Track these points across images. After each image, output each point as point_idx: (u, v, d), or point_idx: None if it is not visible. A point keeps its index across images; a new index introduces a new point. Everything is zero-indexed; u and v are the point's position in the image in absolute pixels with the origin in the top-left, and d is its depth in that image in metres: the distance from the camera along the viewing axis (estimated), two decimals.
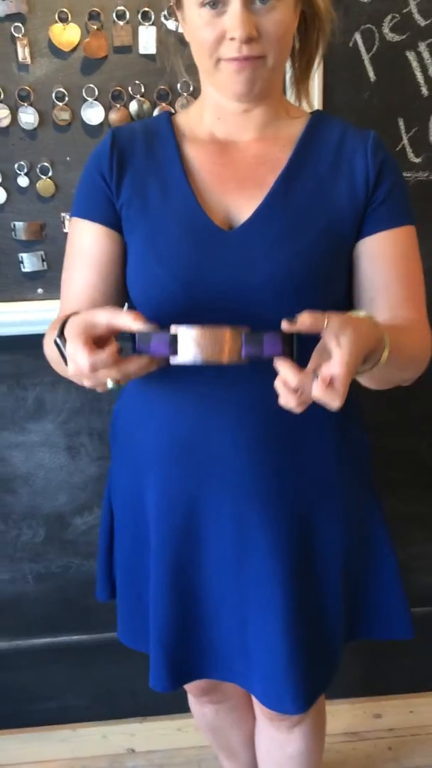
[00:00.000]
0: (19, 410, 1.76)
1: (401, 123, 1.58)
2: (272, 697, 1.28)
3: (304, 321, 0.92)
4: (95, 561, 1.86)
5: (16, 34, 1.46)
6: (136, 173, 1.19)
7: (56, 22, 1.46)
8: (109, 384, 0.99)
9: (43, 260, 1.60)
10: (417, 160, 1.60)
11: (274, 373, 0.95)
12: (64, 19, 1.46)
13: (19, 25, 1.46)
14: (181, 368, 1.01)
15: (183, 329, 0.95)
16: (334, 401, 0.91)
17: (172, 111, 1.32)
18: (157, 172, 1.18)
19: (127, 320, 0.95)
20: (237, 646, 1.29)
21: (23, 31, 1.46)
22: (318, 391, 0.91)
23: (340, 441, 1.24)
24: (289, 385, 0.93)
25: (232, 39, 1.05)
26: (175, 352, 0.96)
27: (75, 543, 1.89)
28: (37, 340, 1.61)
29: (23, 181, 1.55)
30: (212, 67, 1.10)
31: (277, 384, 0.95)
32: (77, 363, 0.97)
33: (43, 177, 1.55)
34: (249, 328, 0.97)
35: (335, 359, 0.91)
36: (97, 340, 0.98)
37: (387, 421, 1.77)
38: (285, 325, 0.93)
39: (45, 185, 1.55)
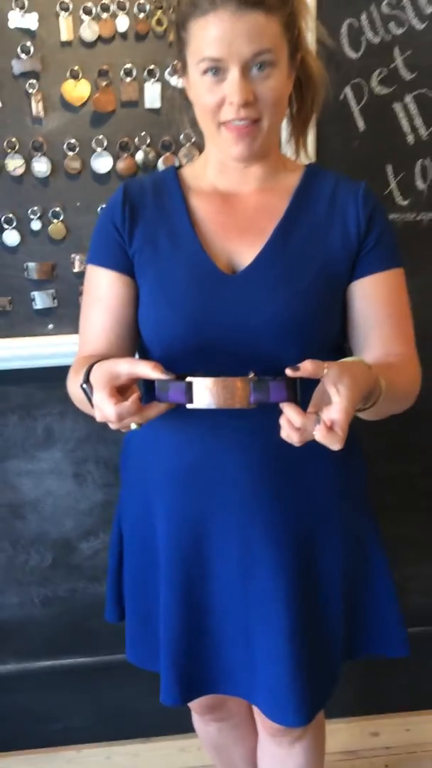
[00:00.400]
0: (29, 439, 1.82)
1: (389, 169, 1.67)
2: (275, 709, 1.33)
3: (306, 368, 1.02)
4: (100, 585, 1.92)
5: (30, 90, 1.55)
6: (147, 223, 1.27)
7: (68, 78, 1.55)
8: (133, 427, 1.09)
9: (54, 298, 1.68)
10: (404, 203, 1.69)
11: (278, 407, 1.05)
12: (75, 76, 1.55)
13: (34, 81, 1.55)
14: None
15: (198, 380, 1.04)
16: (334, 444, 1.01)
17: (177, 161, 1.41)
18: (166, 222, 1.26)
19: (147, 370, 1.05)
20: (242, 661, 1.34)
21: (37, 87, 1.55)
22: (320, 435, 1.01)
23: (339, 467, 1.31)
24: (293, 425, 1.03)
25: (231, 103, 1.14)
26: (191, 399, 1.05)
27: (81, 567, 1.93)
28: (47, 373, 1.70)
29: (36, 224, 1.63)
30: (215, 130, 1.18)
31: (282, 422, 1.05)
32: (104, 413, 1.07)
33: (55, 221, 1.63)
34: (257, 376, 1.06)
35: (335, 406, 1.00)
36: (119, 387, 1.08)
37: (382, 448, 1.83)
38: (289, 372, 1.02)
39: (56, 228, 1.64)
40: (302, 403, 1.05)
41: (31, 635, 1.99)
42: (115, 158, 1.61)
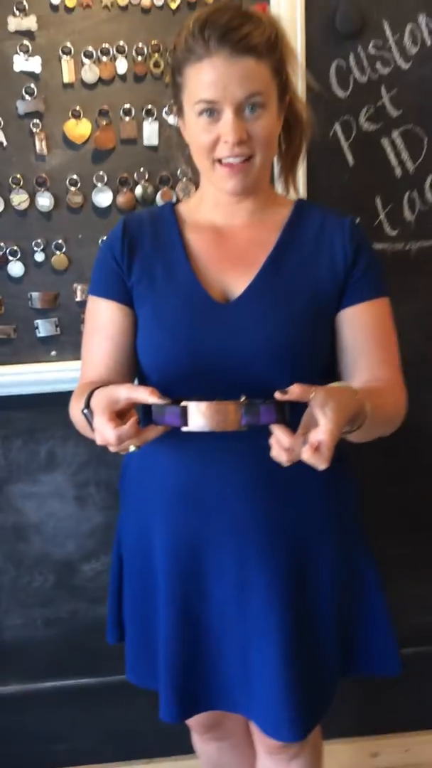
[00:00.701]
0: (32, 463, 1.86)
1: (378, 201, 1.73)
2: (271, 725, 1.35)
3: (294, 392, 1.08)
4: (102, 606, 1.94)
5: (34, 129, 1.62)
6: (145, 256, 1.33)
7: (70, 118, 1.62)
8: (131, 449, 1.15)
9: (56, 326, 1.74)
10: (393, 234, 1.75)
11: (269, 431, 1.11)
12: (77, 116, 1.62)
13: (37, 121, 1.62)
14: None
15: (192, 404, 1.10)
16: (320, 464, 1.06)
17: (174, 196, 1.47)
18: (163, 254, 1.32)
19: (144, 395, 1.12)
20: (240, 677, 1.37)
21: (41, 126, 1.62)
22: (307, 455, 1.06)
23: (330, 489, 1.35)
24: (282, 445, 1.09)
25: (226, 142, 1.20)
26: (185, 422, 1.11)
27: (82, 589, 1.96)
28: (50, 398, 1.75)
29: (40, 256, 1.69)
30: (209, 167, 1.25)
31: (272, 442, 1.10)
32: (105, 436, 1.12)
33: (58, 252, 1.69)
34: (248, 400, 1.11)
35: (321, 428, 1.06)
36: (118, 412, 1.13)
37: (376, 470, 1.87)
38: (278, 395, 1.08)
39: (59, 260, 1.70)
40: (291, 425, 1.10)
41: (33, 656, 2.01)
42: (115, 193, 1.67)
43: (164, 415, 1.12)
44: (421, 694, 2.10)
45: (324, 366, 1.33)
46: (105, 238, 1.38)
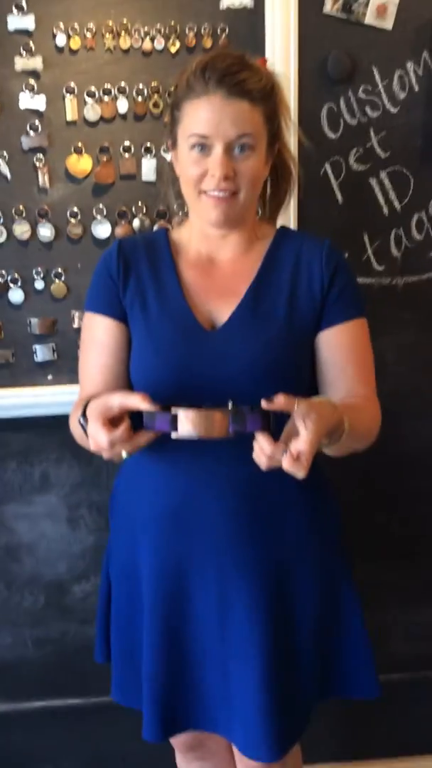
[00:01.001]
0: (26, 484, 1.90)
1: (366, 237, 1.79)
2: (250, 745, 1.38)
3: (279, 402, 1.14)
4: (91, 627, 1.95)
5: (37, 164, 1.68)
6: (138, 277, 1.39)
7: (72, 154, 1.68)
8: (123, 455, 1.20)
9: (53, 351, 1.79)
10: (380, 268, 1.81)
11: (252, 453, 1.17)
12: (78, 152, 1.68)
13: (41, 156, 1.68)
14: (174, 445, 1.20)
15: (181, 411, 1.14)
16: (299, 472, 1.12)
17: (169, 228, 1.53)
18: (156, 279, 1.38)
19: (137, 401, 1.17)
20: (220, 698, 1.39)
21: (44, 161, 1.68)
22: (287, 464, 1.12)
23: (312, 512, 1.39)
24: (264, 452, 1.15)
25: (213, 176, 1.27)
26: (175, 428, 1.15)
27: (73, 610, 1.99)
28: (45, 421, 1.80)
29: (39, 284, 1.75)
30: (196, 198, 1.31)
31: (255, 447, 1.16)
32: (98, 441, 1.18)
33: (57, 281, 1.75)
34: (235, 408, 1.16)
35: (302, 438, 1.12)
36: (112, 419, 1.19)
37: (362, 496, 1.91)
38: (264, 404, 1.14)
39: (58, 288, 1.75)
40: (275, 433, 1.16)
41: (23, 676, 2.03)
42: (114, 225, 1.73)
43: (155, 421, 1.16)
44: (405, 720, 2.11)
45: (306, 384, 1.38)
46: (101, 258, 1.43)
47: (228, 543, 1.34)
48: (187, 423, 1.14)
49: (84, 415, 1.24)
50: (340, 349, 1.37)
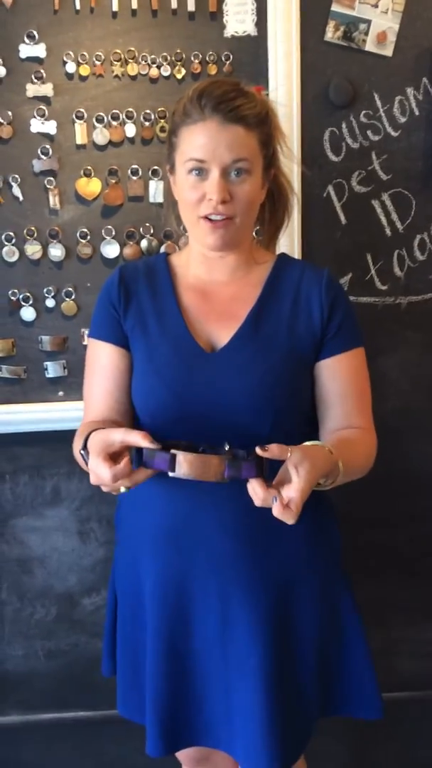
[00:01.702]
0: (38, 498, 1.93)
1: (369, 258, 1.81)
2: (251, 760, 1.38)
3: (273, 451, 1.17)
4: (101, 640, 1.99)
5: (48, 186, 1.73)
6: (139, 304, 1.41)
7: (82, 176, 1.73)
8: (122, 489, 1.22)
9: (64, 368, 1.83)
10: (383, 288, 1.84)
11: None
12: (88, 175, 1.73)
13: (51, 179, 1.73)
14: None
15: (180, 453, 1.17)
16: (288, 519, 1.16)
17: (177, 249, 1.54)
18: (156, 304, 1.41)
19: (137, 439, 1.19)
20: (222, 714, 1.41)
21: (54, 183, 1.73)
22: (277, 511, 1.16)
23: (313, 530, 1.40)
24: (257, 496, 1.18)
25: (210, 200, 1.29)
26: (173, 469, 1.18)
27: (83, 622, 2.01)
28: (56, 435, 1.83)
29: (50, 302, 1.80)
30: (194, 222, 1.33)
31: (249, 489, 1.19)
32: (99, 475, 1.20)
33: (67, 299, 1.79)
34: (232, 453, 1.19)
35: (293, 485, 1.16)
36: (113, 454, 1.21)
37: (365, 516, 1.92)
38: (259, 451, 1.17)
39: (69, 306, 1.80)
40: (269, 476, 1.19)
41: (34, 688, 2.05)
42: (122, 245, 1.78)
43: (154, 460, 1.19)
44: (411, 738, 2.11)
45: (304, 411, 1.40)
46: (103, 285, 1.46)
47: (229, 564, 1.36)
48: (184, 465, 1.16)
49: (85, 447, 1.26)
50: (338, 379, 1.39)
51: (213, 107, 1.27)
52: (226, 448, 1.20)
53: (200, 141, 1.28)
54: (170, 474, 1.18)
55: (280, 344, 1.36)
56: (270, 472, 1.19)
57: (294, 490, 1.15)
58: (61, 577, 1.99)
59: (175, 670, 1.40)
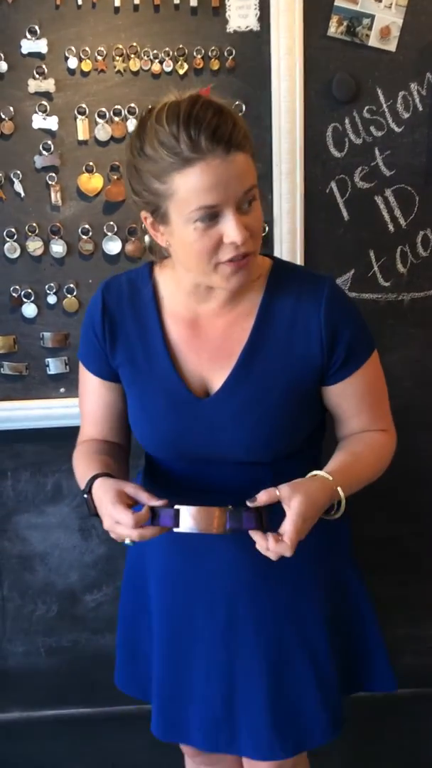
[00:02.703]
0: (39, 494, 1.94)
1: (372, 254, 1.81)
2: (263, 747, 1.39)
3: (262, 499, 1.18)
4: (102, 637, 2.01)
5: (50, 182, 1.73)
6: (126, 339, 1.31)
7: (83, 172, 1.73)
8: (127, 541, 1.22)
9: (66, 364, 1.83)
10: (386, 284, 1.83)
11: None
12: (90, 171, 1.73)
13: (53, 174, 1.73)
14: None
15: (183, 508, 1.19)
16: (285, 551, 1.17)
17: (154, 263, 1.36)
18: (143, 339, 1.30)
19: (144, 498, 1.21)
20: (223, 718, 1.40)
21: (56, 179, 1.73)
22: (271, 546, 1.17)
23: (323, 530, 1.34)
24: (260, 547, 1.18)
25: (233, 243, 1.12)
26: (177, 524, 1.19)
27: (84, 619, 2.02)
28: (58, 432, 1.83)
29: (52, 299, 1.80)
30: (210, 270, 1.16)
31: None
32: (120, 520, 1.19)
33: (69, 296, 1.79)
34: (233, 507, 1.19)
35: (286, 519, 1.17)
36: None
37: (371, 512, 1.89)
38: (249, 504, 1.18)
39: (70, 302, 1.80)
40: (274, 518, 1.20)
41: (35, 684, 2.06)
42: (124, 241, 1.77)
43: (159, 516, 1.20)
44: (414, 735, 2.11)
45: (308, 432, 1.35)
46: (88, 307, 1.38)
47: (235, 562, 1.35)
48: (188, 519, 1.18)
49: (89, 492, 1.26)
50: (352, 396, 1.32)
51: (209, 139, 1.09)
52: (229, 507, 1.20)
53: (208, 183, 1.10)
54: (175, 530, 1.20)
55: (278, 384, 1.27)
56: (274, 517, 1.20)
57: (286, 523, 1.17)
58: (62, 574, 2.00)
59: (177, 669, 1.41)
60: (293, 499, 1.17)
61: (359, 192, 1.78)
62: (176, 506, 1.19)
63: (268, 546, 1.17)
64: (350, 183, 1.77)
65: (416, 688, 2.08)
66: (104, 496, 1.22)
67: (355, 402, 1.34)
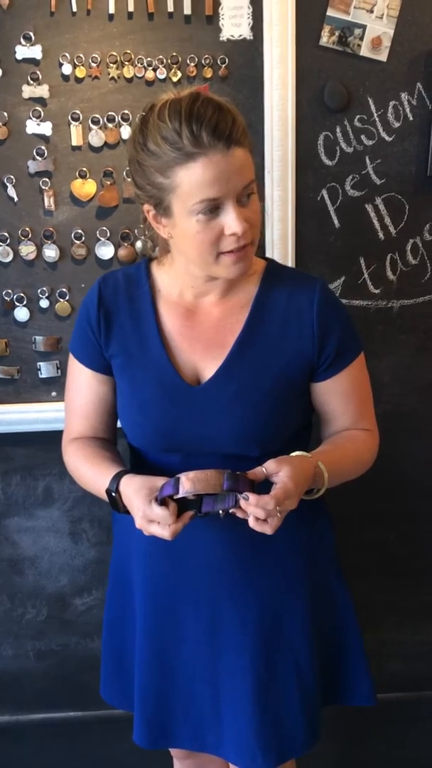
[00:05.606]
0: (29, 498, 1.94)
1: (362, 261, 1.83)
2: (245, 756, 1.39)
3: (249, 474, 1.21)
4: (92, 641, 2.01)
5: (43, 187, 1.74)
6: (121, 331, 1.34)
7: (77, 178, 1.74)
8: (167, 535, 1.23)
9: (57, 368, 1.84)
10: (376, 291, 1.85)
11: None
12: (83, 176, 1.74)
13: (47, 179, 1.73)
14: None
15: (182, 474, 1.21)
16: (265, 529, 1.18)
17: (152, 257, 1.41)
18: (137, 329, 1.34)
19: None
20: (210, 717, 1.42)
21: (50, 184, 1.74)
22: (252, 523, 1.18)
23: (306, 526, 1.40)
24: (251, 505, 1.18)
25: (234, 234, 1.18)
26: (177, 490, 1.21)
27: (74, 623, 2.02)
28: (49, 436, 1.84)
29: (44, 303, 1.80)
30: (212, 261, 1.23)
31: (244, 506, 1.19)
32: (158, 516, 1.20)
33: (61, 300, 1.80)
34: (230, 470, 1.21)
35: (276, 484, 1.19)
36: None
37: (357, 516, 1.94)
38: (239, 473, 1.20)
39: (62, 307, 1.81)
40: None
41: (24, 688, 2.06)
42: (117, 247, 1.78)
43: (162, 489, 1.23)
44: (401, 740, 2.13)
45: (297, 426, 1.38)
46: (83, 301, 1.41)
47: (219, 564, 1.36)
48: (187, 482, 1.20)
49: (117, 490, 1.28)
50: (340, 394, 1.37)
51: (210, 134, 1.14)
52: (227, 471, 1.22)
53: (209, 177, 1.15)
54: (175, 496, 1.21)
55: (268, 375, 1.31)
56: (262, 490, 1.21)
57: (277, 486, 1.18)
58: (52, 578, 2.00)
59: (162, 670, 1.42)
60: (281, 466, 1.20)
61: (350, 200, 1.79)
62: (177, 475, 1.22)
63: (257, 501, 1.17)
64: (341, 191, 1.79)
65: (402, 693, 2.09)
66: (136, 495, 1.23)
67: (341, 400, 1.38)
